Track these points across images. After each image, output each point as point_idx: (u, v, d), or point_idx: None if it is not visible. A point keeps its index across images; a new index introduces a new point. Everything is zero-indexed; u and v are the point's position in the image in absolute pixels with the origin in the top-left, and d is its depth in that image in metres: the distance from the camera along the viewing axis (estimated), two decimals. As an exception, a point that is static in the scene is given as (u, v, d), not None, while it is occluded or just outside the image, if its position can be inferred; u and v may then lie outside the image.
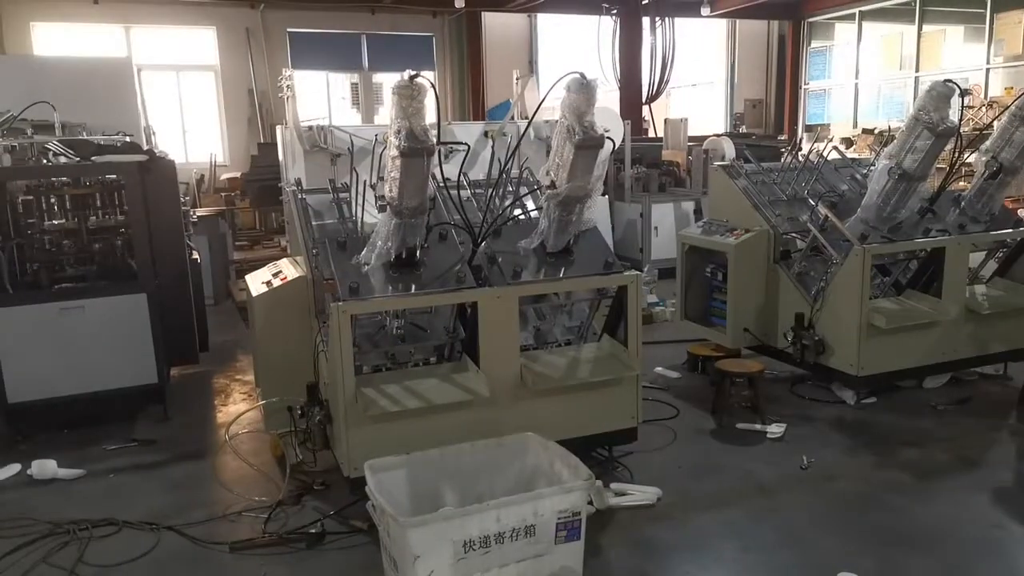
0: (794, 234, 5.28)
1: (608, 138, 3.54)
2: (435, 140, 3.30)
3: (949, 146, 4.82)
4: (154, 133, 8.29)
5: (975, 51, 14.59)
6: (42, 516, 3.77)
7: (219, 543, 3.51)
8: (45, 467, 4.25)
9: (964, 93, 4.69)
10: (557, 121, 3.59)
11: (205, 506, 3.89)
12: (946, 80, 4.48)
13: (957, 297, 5.05)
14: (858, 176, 5.61)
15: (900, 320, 4.85)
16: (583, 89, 3.43)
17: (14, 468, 4.34)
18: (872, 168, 5.21)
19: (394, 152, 3.31)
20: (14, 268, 4.80)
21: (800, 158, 5.65)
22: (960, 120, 4.65)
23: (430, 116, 3.33)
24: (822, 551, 3.37)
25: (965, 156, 5.28)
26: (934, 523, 3.57)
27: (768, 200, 5.40)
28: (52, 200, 5.03)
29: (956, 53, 15.29)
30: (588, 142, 3.46)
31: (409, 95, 3.22)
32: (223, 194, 12.10)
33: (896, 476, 4.04)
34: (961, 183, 6.07)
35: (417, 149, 3.25)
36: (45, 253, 4.96)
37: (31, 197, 4.99)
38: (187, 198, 7.62)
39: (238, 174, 12.53)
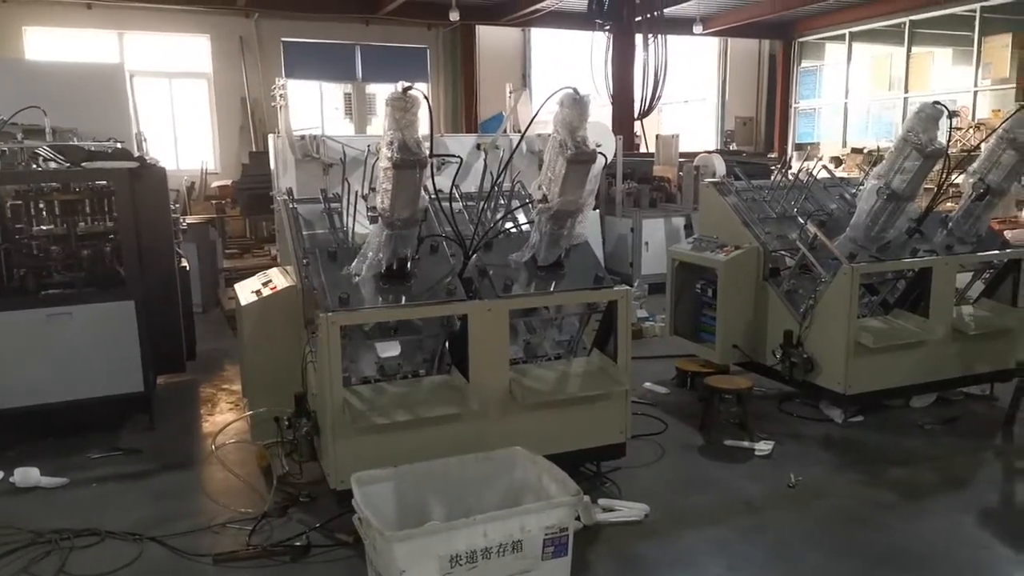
0: (783, 252, 5.31)
1: (600, 153, 3.55)
2: (428, 152, 3.30)
3: (937, 167, 4.88)
4: (145, 140, 8.23)
5: (963, 73, 14.78)
6: (24, 525, 3.71)
7: (203, 555, 3.48)
8: (28, 475, 4.20)
9: (952, 115, 4.73)
10: (550, 135, 3.61)
11: (189, 517, 3.85)
12: (934, 102, 4.53)
13: (944, 317, 5.08)
14: (847, 195, 5.66)
15: (888, 339, 4.88)
16: (576, 104, 3.45)
17: (-4, 476, 4.29)
18: (861, 188, 5.26)
19: (386, 164, 3.31)
20: (1, 273, 4.77)
21: (790, 176, 5.69)
22: (948, 141, 4.69)
23: (423, 128, 3.34)
24: (809, 569, 3.38)
25: (953, 177, 5.33)
26: (920, 543, 3.57)
27: (758, 217, 5.43)
28: (41, 205, 5.00)
29: (944, 75, 15.48)
30: (580, 157, 3.47)
31: (402, 107, 3.23)
32: (214, 202, 12.06)
33: (883, 495, 4.05)
34: (948, 204, 6.13)
35: (409, 161, 3.26)
36: (33, 259, 4.92)
37: (20, 202, 4.96)
38: (177, 205, 7.57)
39: (229, 182, 12.49)
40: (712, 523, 3.75)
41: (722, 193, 5.59)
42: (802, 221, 5.28)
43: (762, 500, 3.99)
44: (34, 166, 5.08)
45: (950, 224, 5.29)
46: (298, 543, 3.51)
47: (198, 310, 7.47)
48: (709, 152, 11.12)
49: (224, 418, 5.22)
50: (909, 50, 15.48)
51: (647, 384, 5.72)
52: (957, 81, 14.94)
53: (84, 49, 12.97)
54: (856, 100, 16.87)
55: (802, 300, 5.07)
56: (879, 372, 4.89)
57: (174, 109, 13.86)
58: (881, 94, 16.46)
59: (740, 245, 5.31)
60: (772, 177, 5.85)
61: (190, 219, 8.66)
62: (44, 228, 4.98)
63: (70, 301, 4.69)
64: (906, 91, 15.51)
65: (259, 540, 3.58)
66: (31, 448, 4.63)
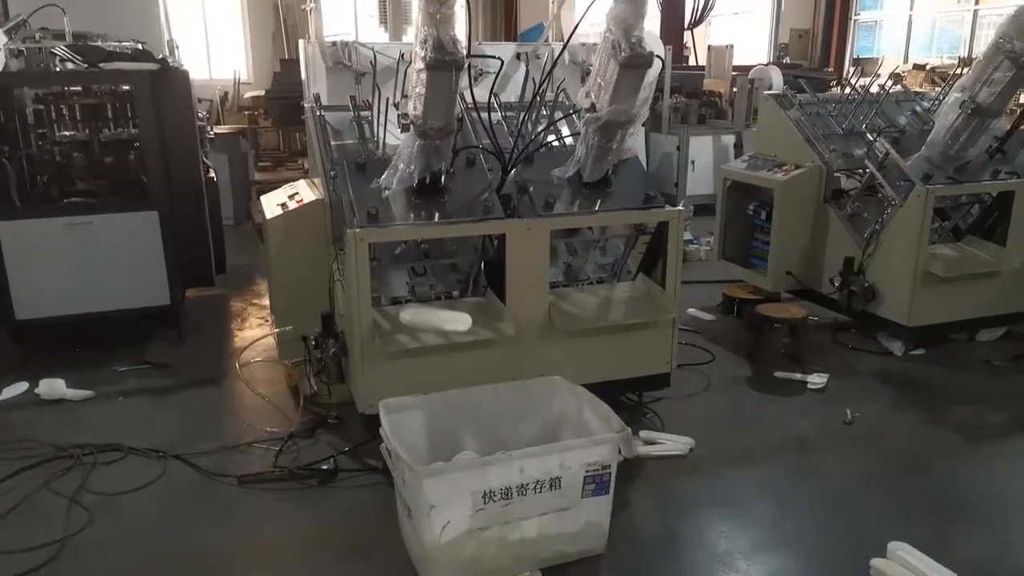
0: (848, 172, 4.91)
1: (657, 56, 3.18)
2: (465, 52, 2.97)
3: (1028, 80, 4.39)
4: (178, 47, 7.97)
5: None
6: (46, 438, 3.64)
7: (227, 475, 3.36)
8: (53, 387, 4.13)
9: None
10: (594, 44, 3.24)
11: (215, 436, 3.74)
12: (1032, 5, 4.04)
13: (1023, 246, 4.68)
14: (919, 110, 5.19)
15: (959, 268, 4.53)
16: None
17: (22, 386, 4.23)
18: (937, 102, 4.80)
19: (420, 65, 2.99)
20: (23, 180, 4.60)
21: (859, 88, 5.22)
22: (1044, 52, 4.19)
23: (460, 28, 3.00)
24: (867, 515, 3.13)
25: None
26: (984, 488, 3.31)
27: (822, 134, 5.01)
28: (63, 110, 4.79)
29: (1023, -16, 14.36)
30: (635, 60, 3.11)
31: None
32: (247, 113, 11.77)
33: (946, 436, 3.78)
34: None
35: (445, 61, 2.93)
36: (55, 165, 4.75)
37: (41, 106, 4.76)
38: (206, 114, 7.32)
39: (262, 92, 12.16)
40: (761, 462, 3.52)
41: (783, 107, 5.16)
42: (871, 138, 4.85)
43: (816, 438, 3.74)
44: (52, 68, 4.85)
45: (1036, 145, 4.83)
46: (325, 467, 3.38)
47: (229, 223, 7.30)
48: (765, 65, 10.46)
49: (253, 333, 5.09)
50: (985, -44, 14.36)
51: (691, 310, 5.45)
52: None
53: (113, -50, 12.53)
54: (921, 12, 15.79)
55: (867, 225, 4.70)
56: (947, 303, 4.56)
57: (206, 16, 13.44)
58: (948, 6, 15.38)
59: (801, 164, 4.92)
60: (839, 90, 5.38)
61: (219, 129, 8.41)
62: (67, 134, 4.79)
63: (91, 210, 4.51)
64: (977, 3, 14.44)
65: (286, 462, 3.45)
66: (57, 359, 4.55)
